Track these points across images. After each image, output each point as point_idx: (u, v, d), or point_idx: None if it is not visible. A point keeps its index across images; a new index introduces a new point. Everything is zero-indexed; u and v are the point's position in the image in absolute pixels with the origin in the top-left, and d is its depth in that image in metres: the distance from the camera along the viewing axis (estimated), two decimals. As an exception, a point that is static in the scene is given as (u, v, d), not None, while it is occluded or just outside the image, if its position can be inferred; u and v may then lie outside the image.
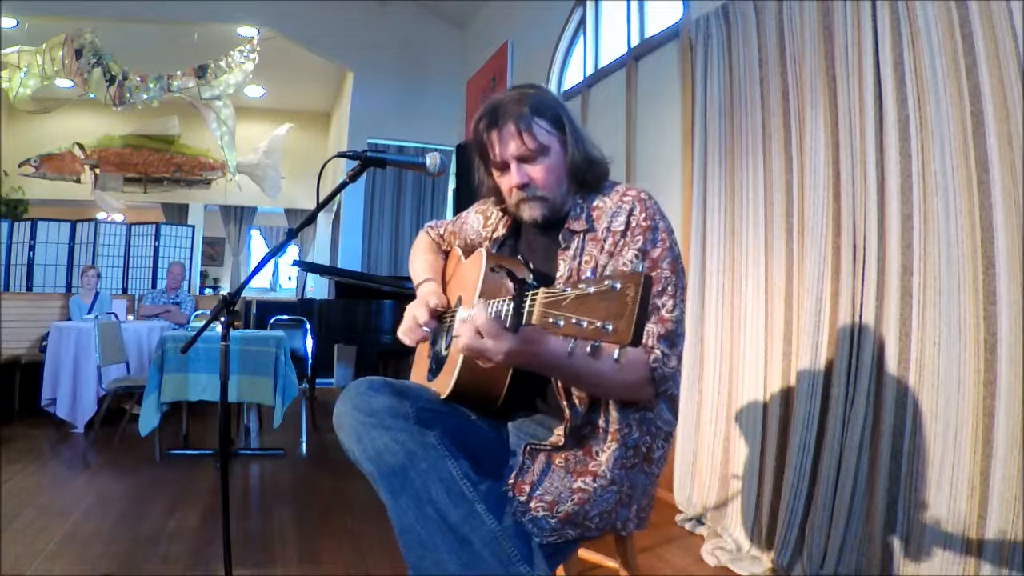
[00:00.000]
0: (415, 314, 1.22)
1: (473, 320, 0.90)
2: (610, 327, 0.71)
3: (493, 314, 0.91)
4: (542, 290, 0.82)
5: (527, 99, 1.14)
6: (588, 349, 0.75)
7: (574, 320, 0.75)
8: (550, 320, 0.78)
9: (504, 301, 0.89)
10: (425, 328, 1.21)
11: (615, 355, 0.74)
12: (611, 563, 1.62)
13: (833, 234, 1.89)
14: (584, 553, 1.72)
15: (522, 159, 1.15)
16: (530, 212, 1.19)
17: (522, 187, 1.16)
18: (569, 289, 0.78)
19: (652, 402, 1.10)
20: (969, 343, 1.53)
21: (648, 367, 1.03)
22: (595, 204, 1.18)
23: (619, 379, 1.02)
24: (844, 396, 1.81)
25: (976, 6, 1.52)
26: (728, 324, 2.31)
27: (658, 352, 1.04)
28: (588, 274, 1.12)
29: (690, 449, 2.43)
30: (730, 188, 2.34)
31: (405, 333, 1.24)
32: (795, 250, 2.03)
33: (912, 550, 1.59)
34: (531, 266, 1.19)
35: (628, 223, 1.12)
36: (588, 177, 1.19)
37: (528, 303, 0.84)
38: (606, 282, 0.74)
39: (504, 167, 1.18)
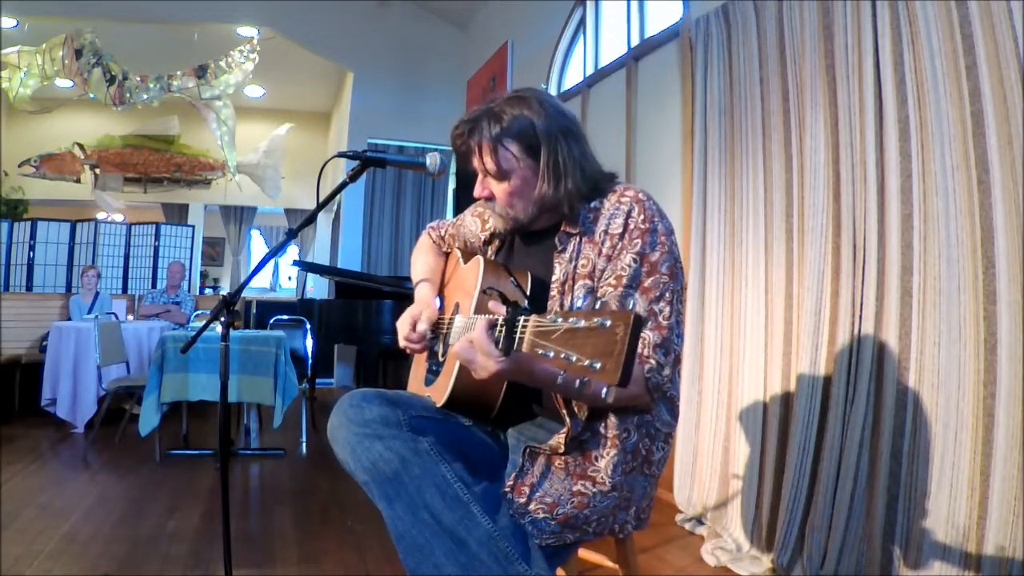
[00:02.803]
0: (400, 328, 1.26)
1: (470, 335, 0.91)
2: (598, 365, 0.71)
3: (489, 334, 0.90)
4: (533, 318, 0.82)
5: (505, 119, 1.09)
6: (577, 384, 0.75)
7: (563, 355, 0.75)
8: (539, 351, 0.78)
9: (499, 322, 0.90)
10: (413, 341, 1.24)
11: (603, 393, 0.73)
12: (611, 563, 1.62)
13: (833, 234, 1.89)
14: (584, 553, 1.71)
15: (485, 174, 1.15)
16: (495, 222, 1.22)
17: (486, 199, 1.18)
18: (560, 320, 0.77)
19: (650, 405, 1.09)
20: (969, 343, 1.53)
21: (642, 377, 1.01)
22: (592, 205, 1.14)
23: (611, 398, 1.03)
24: (844, 396, 1.81)
25: (976, 6, 1.52)
26: (728, 324, 2.31)
27: (653, 362, 1.02)
28: (585, 280, 1.10)
29: (690, 449, 2.43)
30: (730, 188, 2.34)
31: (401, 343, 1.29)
32: (795, 250, 2.03)
33: (912, 550, 1.59)
34: (526, 291, 1.17)
35: (626, 225, 1.08)
36: (561, 210, 1.13)
37: (519, 329, 0.84)
38: (596, 319, 0.73)
39: (476, 174, 1.19)
